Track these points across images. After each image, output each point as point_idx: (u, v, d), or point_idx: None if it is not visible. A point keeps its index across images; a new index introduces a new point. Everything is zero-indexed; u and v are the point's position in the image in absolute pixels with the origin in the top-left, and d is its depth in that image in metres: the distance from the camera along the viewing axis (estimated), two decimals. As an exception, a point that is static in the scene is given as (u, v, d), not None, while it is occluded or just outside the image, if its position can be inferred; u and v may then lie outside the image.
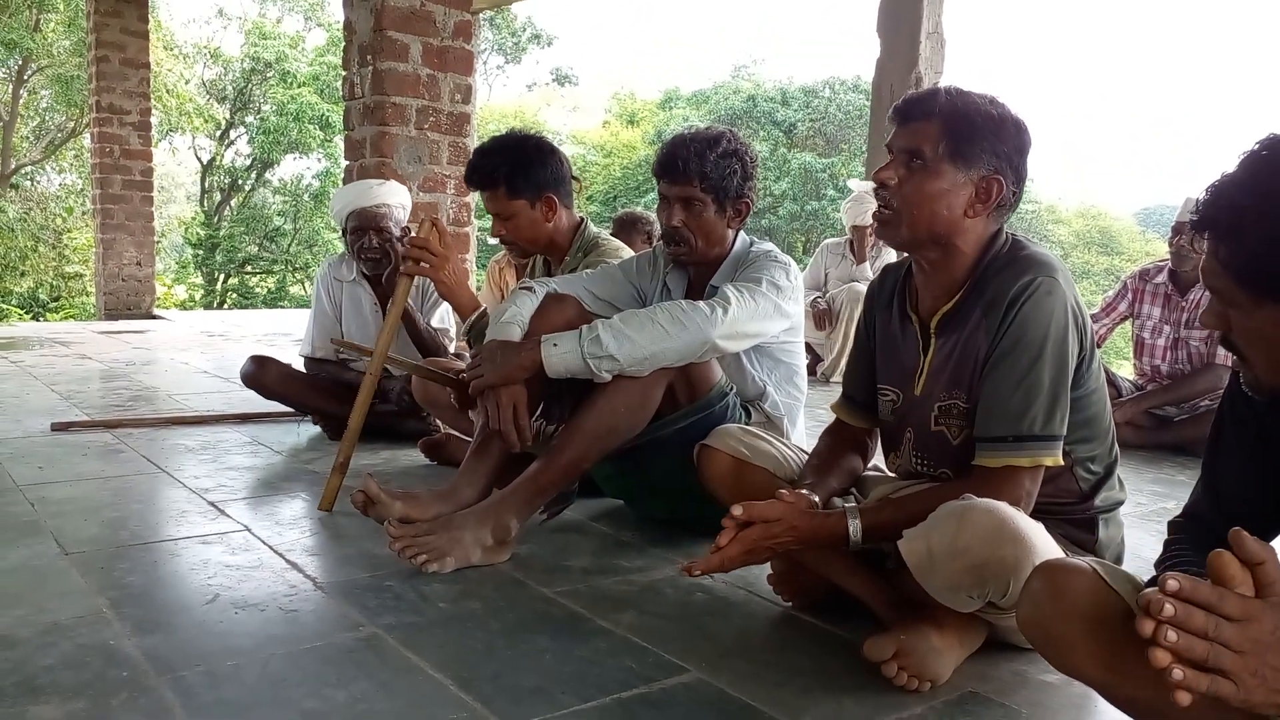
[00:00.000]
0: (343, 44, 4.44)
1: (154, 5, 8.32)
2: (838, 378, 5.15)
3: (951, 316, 1.62)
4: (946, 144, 1.52)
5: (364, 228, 3.16)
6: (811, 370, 4.98)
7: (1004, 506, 1.41)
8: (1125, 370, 4.19)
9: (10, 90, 14.85)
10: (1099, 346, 3.93)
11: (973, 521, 1.39)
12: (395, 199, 3.21)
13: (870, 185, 5.96)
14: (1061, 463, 1.54)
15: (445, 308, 3.30)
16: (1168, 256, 3.77)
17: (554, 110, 28.52)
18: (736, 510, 1.53)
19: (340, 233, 3.30)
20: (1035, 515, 1.52)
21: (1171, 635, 0.88)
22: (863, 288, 5.17)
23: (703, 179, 2.15)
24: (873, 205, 5.44)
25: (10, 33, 13.43)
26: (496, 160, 2.51)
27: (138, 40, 7.79)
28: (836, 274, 5.45)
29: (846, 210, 5.45)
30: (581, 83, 29.11)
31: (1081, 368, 1.57)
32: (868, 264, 5.32)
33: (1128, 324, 3.96)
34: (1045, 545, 1.42)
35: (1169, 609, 0.88)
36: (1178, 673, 0.88)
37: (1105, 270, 24.46)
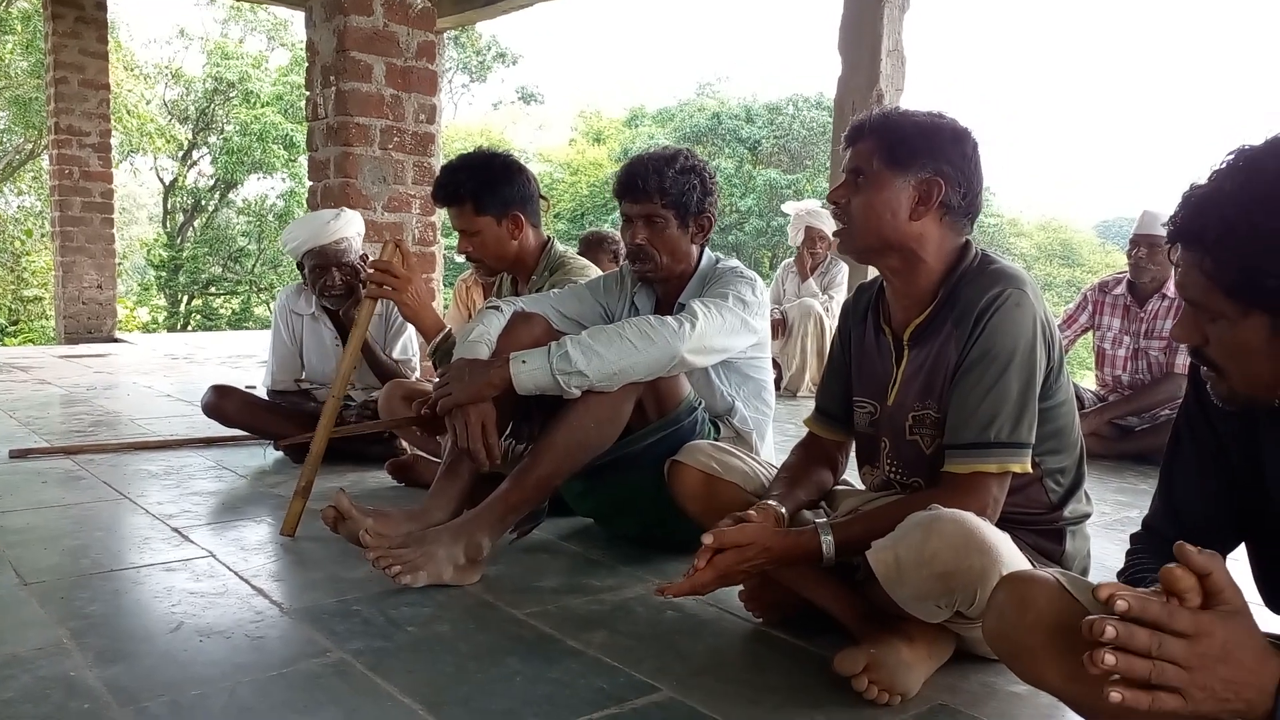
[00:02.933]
0: (306, 64, 4.42)
1: (114, 26, 8.24)
2: (804, 392, 5.20)
3: (924, 328, 1.65)
4: (880, 155, 1.60)
5: (325, 265, 3.10)
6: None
7: (971, 517, 1.43)
8: (1087, 381, 4.25)
9: (-34, 112, 14.62)
10: (1061, 358, 4.00)
11: (939, 531, 1.41)
12: (352, 229, 3.16)
13: (804, 206, 6.06)
14: (1029, 470, 1.57)
15: (408, 337, 3.28)
16: (1126, 269, 3.84)
17: (520, 129, 28.54)
18: (707, 539, 1.54)
19: (298, 266, 3.24)
20: (1003, 525, 1.54)
21: (1109, 659, 0.90)
22: (811, 302, 5.32)
23: (663, 195, 2.19)
24: (809, 223, 5.52)
25: (-34, 54, 13.24)
26: (463, 177, 2.51)
27: (97, 61, 7.70)
28: (791, 290, 5.67)
29: (789, 231, 5.78)
30: (547, 101, 29.20)
31: (1050, 380, 1.60)
32: (812, 280, 5.58)
33: (1089, 335, 4.02)
34: (1011, 555, 1.43)
35: (1110, 631, 0.90)
36: (1115, 694, 0.90)
37: (1066, 282, 24.80)
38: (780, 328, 5.31)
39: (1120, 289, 3.84)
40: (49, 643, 1.67)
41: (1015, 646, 1.24)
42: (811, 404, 1.96)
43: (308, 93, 4.47)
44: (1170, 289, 3.68)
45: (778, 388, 5.20)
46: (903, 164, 1.59)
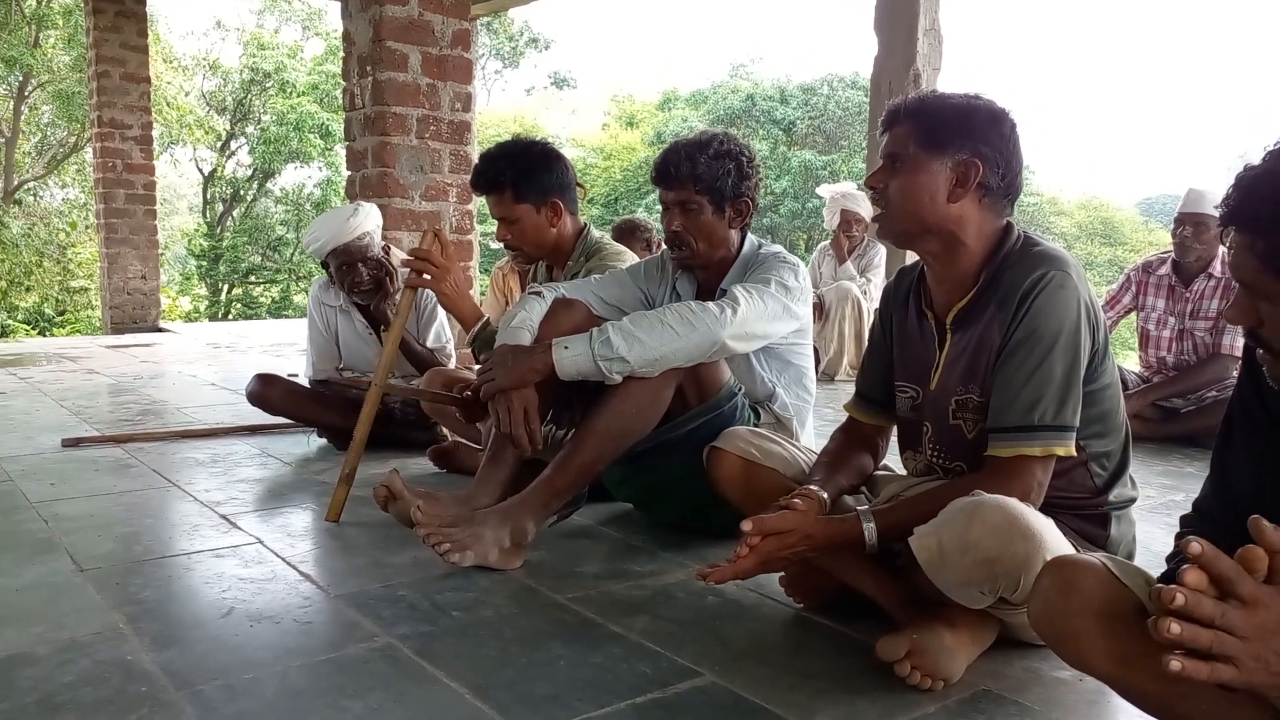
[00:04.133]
0: (341, 54, 4.46)
1: (152, 18, 8.35)
2: (843, 376, 5.17)
3: (966, 312, 1.64)
4: (916, 139, 1.59)
5: (351, 262, 3.11)
6: (812, 369, 5.10)
7: (1014, 502, 1.42)
8: (1131, 362, 4.19)
9: (11, 107, 14.89)
10: (1104, 339, 3.95)
11: (983, 517, 1.40)
12: (372, 222, 3.16)
13: (839, 188, 6.02)
14: (1074, 453, 1.56)
15: (439, 324, 3.30)
16: (1170, 248, 3.78)
17: (553, 114, 28.56)
18: (747, 526, 1.54)
19: (321, 265, 3.25)
20: (1047, 510, 1.53)
21: (1175, 628, 0.90)
22: (849, 285, 5.29)
23: (696, 181, 2.18)
24: (845, 206, 5.50)
25: (10, 49, 13.48)
26: (503, 165, 2.53)
27: (137, 55, 7.82)
28: (828, 273, 5.64)
29: (824, 215, 5.70)
30: (580, 86, 29.15)
31: (1094, 362, 1.59)
32: (849, 263, 5.52)
33: (1132, 316, 3.96)
34: (1055, 541, 1.43)
35: (1179, 599, 0.90)
36: (1175, 664, 0.90)
37: (1108, 261, 24.42)
38: (818, 311, 5.28)
39: (1165, 269, 3.78)
40: (106, 627, 1.72)
41: (1061, 631, 1.24)
42: (850, 388, 1.96)
43: (344, 83, 4.51)
44: (1216, 268, 3.62)
45: (815, 371, 5.20)
46: (939, 146, 1.58)
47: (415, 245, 2.55)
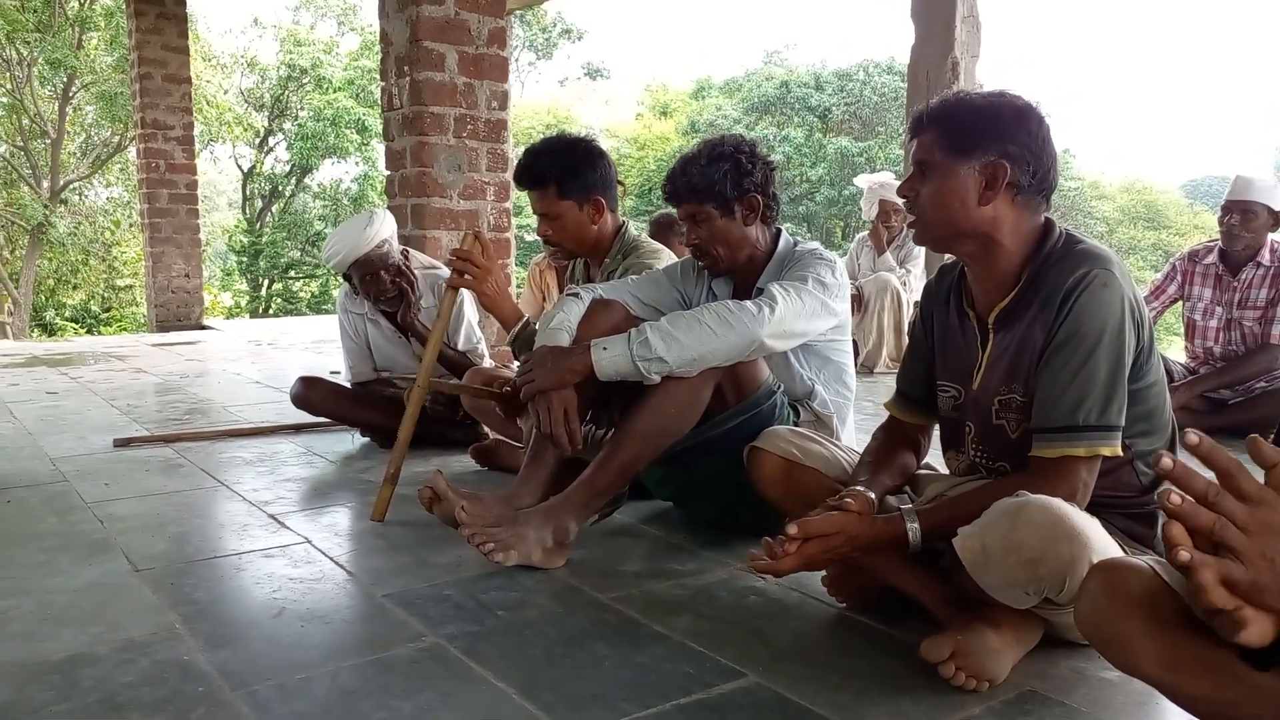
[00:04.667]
0: (378, 51, 4.50)
1: (192, 18, 8.47)
2: (882, 368, 5.15)
3: (1009, 311, 1.63)
4: (941, 145, 1.59)
5: (374, 272, 3.11)
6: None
7: (1059, 503, 1.42)
8: (1177, 352, 4.13)
9: (57, 108, 15.18)
10: (1148, 330, 3.89)
11: (1028, 518, 1.40)
12: (389, 229, 3.16)
13: (877, 178, 5.96)
14: (1119, 453, 1.54)
15: (469, 325, 3.32)
16: (1217, 236, 3.71)
17: (587, 105, 28.60)
18: (793, 530, 1.55)
19: (344, 278, 3.26)
20: (1094, 509, 1.52)
21: (1175, 498, 0.90)
22: (888, 277, 5.25)
23: (695, 192, 2.20)
24: (883, 196, 5.45)
25: (55, 52, 13.73)
26: (548, 161, 2.54)
27: (179, 56, 7.94)
28: (866, 265, 5.60)
29: (862, 205, 5.67)
30: (613, 76, 29.17)
31: (1139, 360, 1.57)
32: (888, 254, 5.48)
33: (1178, 305, 3.90)
34: (1102, 541, 1.42)
35: (1168, 463, 0.91)
36: (1184, 554, 0.90)
37: (1152, 245, 24.01)
38: (856, 303, 5.26)
39: (1211, 258, 3.71)
40: (162, 627, 1.76)
41: (1108, 634, 1.24)
42: (889, 380, 1.95)
43: (382, 83, 4.55)
44: (1265, 257, 3.55)
45: (855, 364, 5.19)
46: (965, 151, 1.57)
47: (456, 246, 2.57)
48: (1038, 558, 1.38)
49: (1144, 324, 1.58)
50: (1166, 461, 0.91)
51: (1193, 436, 0.91)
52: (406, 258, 3.23)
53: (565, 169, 2.53)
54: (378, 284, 3.13)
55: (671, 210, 4.85)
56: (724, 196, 2.19)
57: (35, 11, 13.72)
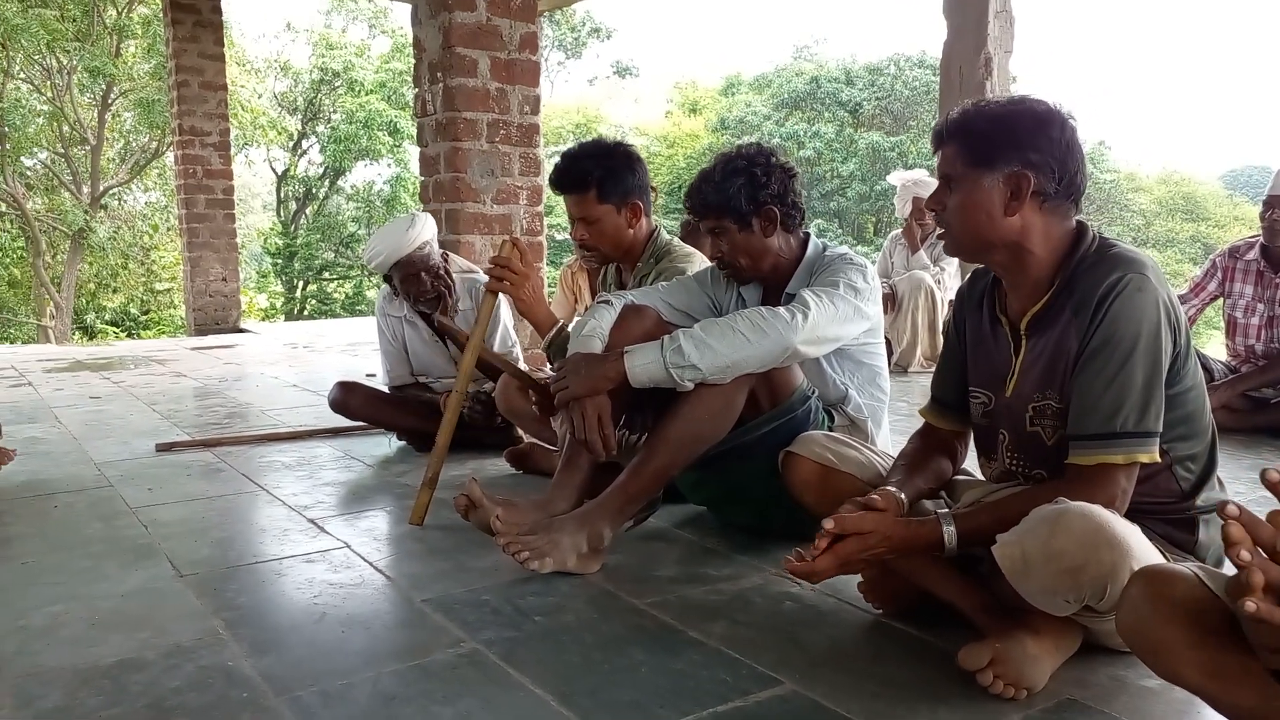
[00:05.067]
0: (409, 53, 4.53)
1: (227, 25, 8.59)
2: (916, 367, 5.12)
3: (1041, 317, 1.62)
4: (962, 158, 1.59)
5: (414, 273, 3.16)
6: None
7: (1100, 510, 1.41)
8: (1217, 348, 4.07)
9: (96, 115, 15.44)
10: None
11: (1067, 526, 1.39)
12: (429, 232, 3.21)
13: (910, 176, 5.90)
14: (1158, 459, 1.53)
15: (504, 329, 3.35)
16: (1258, 232, 3.65)
17: (616, 103, 28.62)
18: (828, 524, 1.55)
19: (384, 279, 3.31)
20: (1133, 515, 1.51)
21: (1244, 554, 0.92)
22: (922, 275, 5.21)
23: (710, 208, 2.22)
24: (917, 194, 5.41)
25: (94, 60, 13.97)
26: (590, 164, 2.56)
27: (215, 63, 8.05)
28: (900, 263, 5.57)
29: (895, 203, 5.65)
30: (642, 74, 29.17)
31: (1176, 364, 1.56)
32: (923, 252, 5.44)
33: (1219, 303, 3.84)
34: (1142, 549, 1.41)
35: (1236, 511, 0.93)
36: (1250, 605, 0.92)
37: (1190, 238, 23.63)
38: (890, 302, 5.22)
39: (1253, 254, 3.65)
40: (207, 633, 1.79)
41: (1151, 642, 1.23)
42: (923, 380, 1.95)
43: (416, 89, 4.59)
44: (1308, 252, 3.49)
45: (888, 363, 5.16)
46: (986, 163, 1.56)
47: (490, 251, 2.60)
48: (1079, 565, 1.37)
49: (1180, 327, 1.56)
50: (1232, 509, 0.91)
51: (1232, 508, 0.92)
52: (446, 261, 3.26)
53: (606, 172, 2.56)
54: (417, 285, 3.18)
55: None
56: (740, 211, 2.20)
57: (74, 21, 13.96)
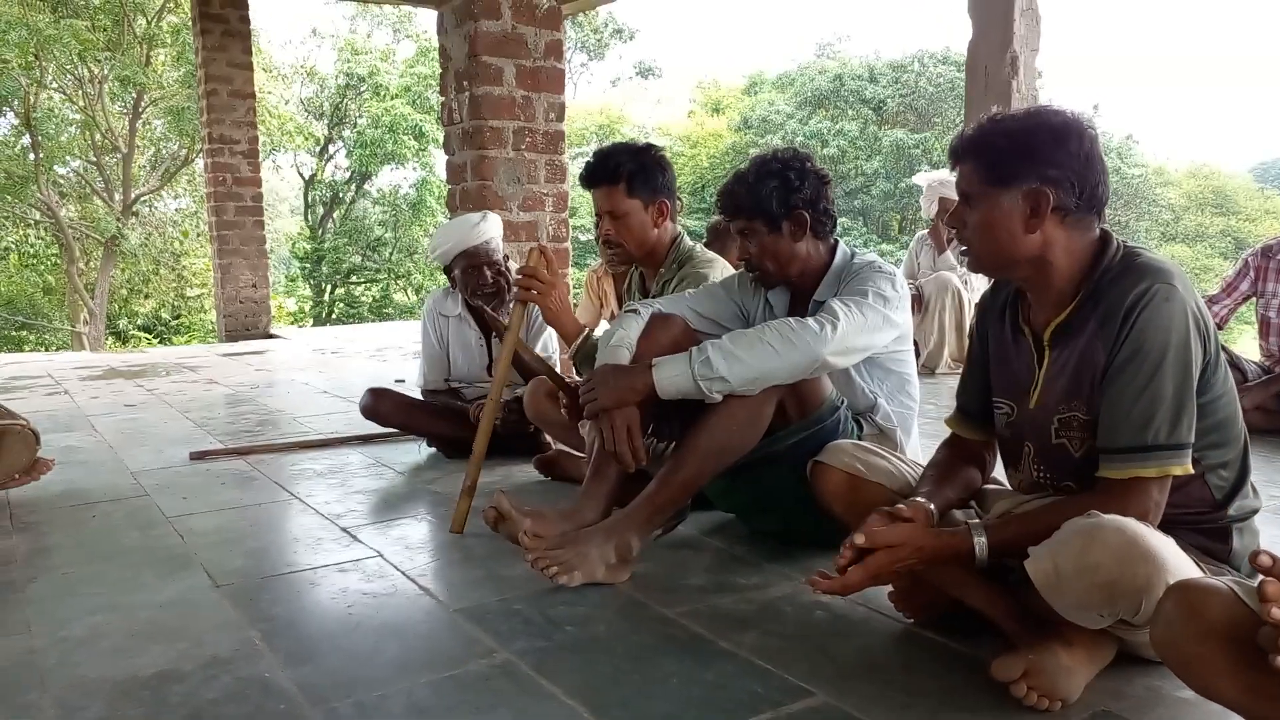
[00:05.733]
0: (433, 57, 4.57)
1: (255, 33, 8.68)
2: (944, 368, 5.09)
3: (1065, 328, 1.61)
4: (980, 176, 1.58)
5: (477, 264, 3.23)
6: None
7: (1133, 523, 1.40)
8: (1248, 342, 4.02)
9: (127, 124, 15.64)
10: (1220, 328, 3.80)
11: (1101, 540, 1.38)
12: (496, 230, 3.29)
13: (936, 176, 5.84)
14: (1190, 470, 1.52)
15: (548, 335, 3.39)
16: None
17: (638, 104, 28.62)
18: (859, 539, 1.55)
19: (445, 271, 3.37)
20: (1166, 527, 1.50)
21: (1265, 558, 0.96)
22: (948, 276, 5.18)
23: (742, 210, 2.23)
24: (943, 194, 5.37)
25: (125, 69, 14.15)
26: (623, 158, 2.63)
27: (243, 72, 8.13)
28: (926, 263, 5.55)
29: (921, 203, 5.61)
30: (665, 74, 29.14)
31: (1207, 372, 1.54)
32: (949, 252, 5.42)
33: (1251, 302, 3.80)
34: (1177, 562, 1.40)
35: (1269, 562, 0.97)
36: (1277, 612, 0.96)
37: (1221, 232, 23.32)
38: (917, 304, 5.20)
39: (1286, 253, 3.61)
40: (243, 644, 1.82)
41: (1186, 657, 1.23)
42: (950, 381, 1.95)
43: (442, 98, 4.62)
44: (1343, 251, 3.44)
45: (916, 364, 5.14)
46: (1004, 180, 1.55)
47: (520, 261, 2.62)
48: (1113, 580, 1.36)
49: (1210, 335, 1.55)
50: (1264, 559, 0.92)
51: (1265, 559, 0.95)
52: (507, 262, 3.32)
53: (638, 167, 2.62)
54: (478, 276, 3.24)
55: (728, 216, 4.85)
56: (771, 214, 2.21)
57: (105, 30, 14.15)
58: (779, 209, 2.20)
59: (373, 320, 19.94)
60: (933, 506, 1.65)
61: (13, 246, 17.20)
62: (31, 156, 14.92)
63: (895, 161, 21.29)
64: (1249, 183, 27.16)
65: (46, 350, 16.15)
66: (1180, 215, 23.53)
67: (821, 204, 2.24)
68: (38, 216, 16.25)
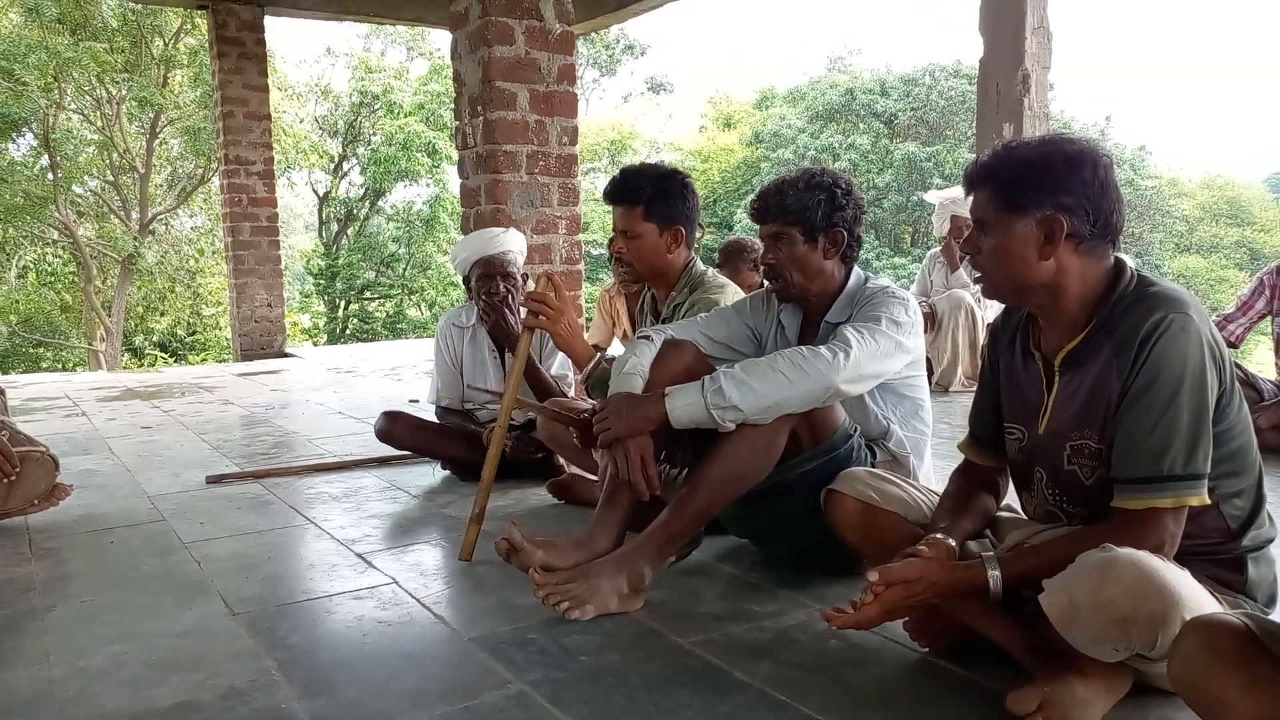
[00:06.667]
0: (446, 75, 4.61)
1: (270, 54, 8.76)
2: (957, 386, 5.08)
3: (1076, 354, 1.61)
4: (995, 203, 1.60)
5: (491, 274, 3.26)
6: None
7: (1147, 557, 1.40)
8: (1264, 354, 4.00)
9: (145, 144, 15.79)
10: (1235, 347, 3.78)
11: (1116, 575, 1.38)
12: (517, 245, 3.34)
13: (948, 194, 5.82)
14: (1206, 501, 1.51)
15: (562, 355, 3.40)
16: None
17: (650, 120, 28.71)
18: (874, 577, 1.55)
19: (464, 281, 3.41)
20: (1179, 558, 1.50)
21: None
22: (961, 294, 5.17)
23: (785, 214, 2.23)
24: (955, 212, 5.35)
25: (142, 90, 14.30)
26: (645, 181, 2.65)
27: (259, 94, 8.22)
28: (939, 281, 5.53)
29: (933, 221, 5.59)
30: (676, 89, 29.23)
31: (1222, 401, 1.54)
32: (962, 270, 5.39)
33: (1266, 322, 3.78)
34: (1193, 596, 1.40)
35: None
36: None
37: (1235, 243, 23.19)
38: (929, 321, 5.20)
39: (1302, 271, 3.59)
40: (260, 674, 1.83)
41: (1203, 695, 1.23)
42: (964, 399, 1.95)
43: (457, 123, 4.66)
44: (1359, 270, 3.42)
45: (929, 382, 5.12)
46: (1019, 208, 1.56)
47: (531, 285, 2.64)
48: (1128, 615, 1.36)
49: (1225, 365, 1.55)
50: None
51: None
52: (525, 280, 3.36)
53: (658, 192, 2.64)
54: (491, 285, 3.26)
55: (741, 237, 4.87)
56: (812, 224, 2.22)
57: (123, 52, 14.32)
58: (821, 221, 2.22)
59: (386, 336, 20.03)
60: (953, 543, 1.65)
61: (31, 265, 17.39)
62: (50, 177, 15.07)
63: (907, 175, 21.28)
64: (1264, 193, 27.02)
65: (64, 368, 16.29)
66: (1195, 226, 23.42)
67: (856, 230, 2.28)
68: (56, 236, 16.41)
